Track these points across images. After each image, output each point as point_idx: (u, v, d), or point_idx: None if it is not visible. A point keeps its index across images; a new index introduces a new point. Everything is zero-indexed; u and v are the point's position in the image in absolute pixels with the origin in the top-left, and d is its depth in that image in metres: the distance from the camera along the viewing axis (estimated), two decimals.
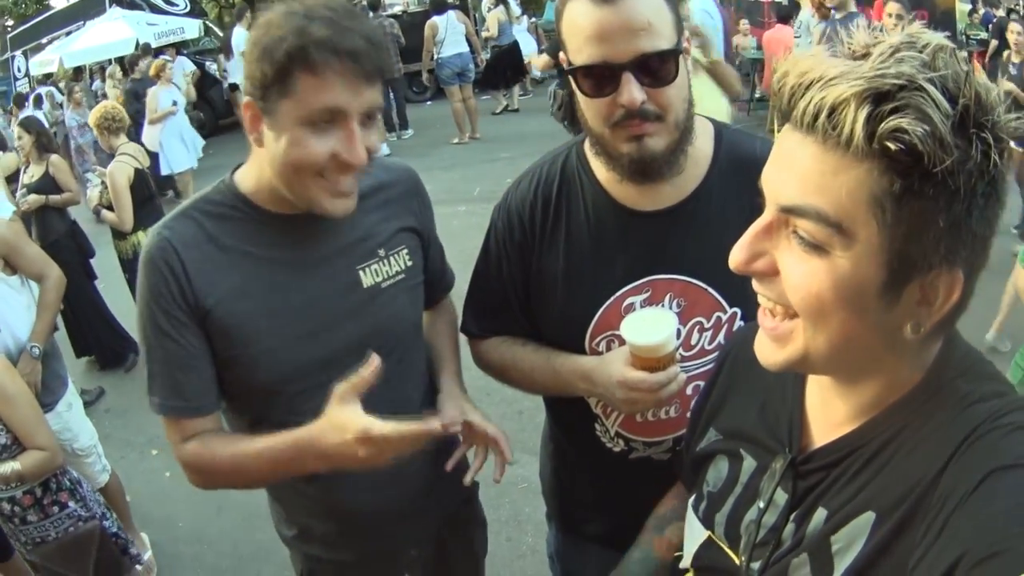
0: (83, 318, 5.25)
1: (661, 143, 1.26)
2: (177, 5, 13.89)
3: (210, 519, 3.68)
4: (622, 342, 1.31)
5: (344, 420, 1.22)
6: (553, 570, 1.85)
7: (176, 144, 9.01)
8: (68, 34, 15.00)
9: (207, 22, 15.46)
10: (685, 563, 1.02)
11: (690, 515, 1.02)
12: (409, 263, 1.51)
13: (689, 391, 1.39)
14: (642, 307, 1.38)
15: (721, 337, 1.39)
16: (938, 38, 0.66)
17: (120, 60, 13.15)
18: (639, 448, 1.49)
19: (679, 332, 1.36)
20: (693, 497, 1.03)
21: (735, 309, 1.38)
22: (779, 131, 0.74)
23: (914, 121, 0.61)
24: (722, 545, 0.94)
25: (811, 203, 0.68)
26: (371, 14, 10.61)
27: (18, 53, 16.07)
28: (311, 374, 1.37)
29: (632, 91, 1.19)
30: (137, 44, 12.55)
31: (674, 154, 1.29)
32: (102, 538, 2.49)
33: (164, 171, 8.81)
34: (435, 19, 10.17)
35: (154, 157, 8.48)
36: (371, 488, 1.51)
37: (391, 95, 10.73)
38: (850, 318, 0.71)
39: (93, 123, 4.97)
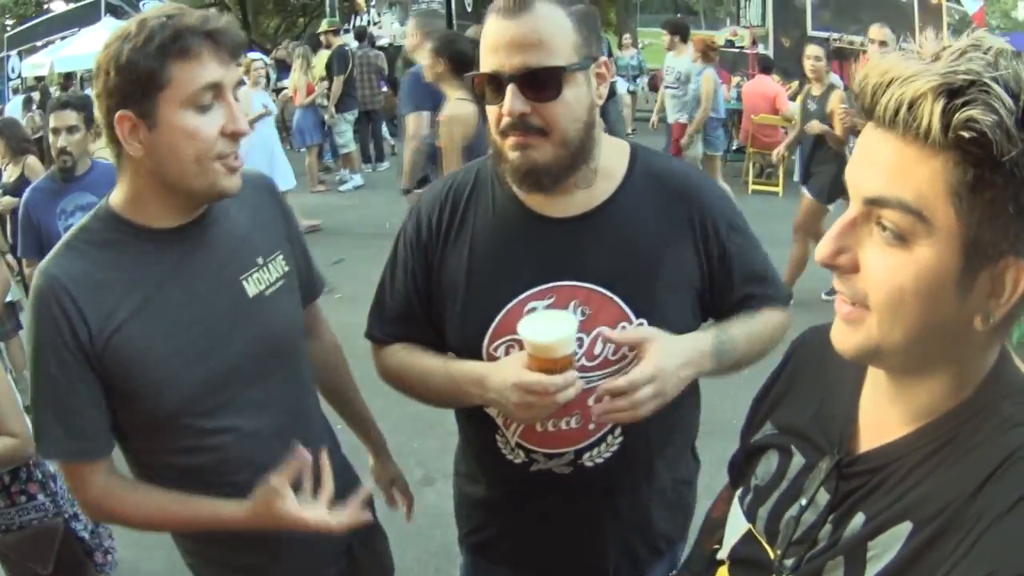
0: None
1: (544, 156, 1.30)
2: None
3: None
4: (522, 347, 1.30)
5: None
6: None
7: (261, 163, 6.53)
8: (63, 39, 15.27)
9: None
10: (723, 555, 1.04)
11: (735, 507, 1.03)
12: (286, 268, 1.54)
13: (591, 402, 1.34)
14: None
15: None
16: (1000, 42, 0.71)
17: None
18: (540, 460, 1.44)
19: (582, 341, 1.35)
20: (740, 490, 1.04)
21: (641, 320, 1.36)
22: (861, 130, 0.79)
23: (984, 112, 0.66)
24: (760, 539, 0.95)
25: (894, 193, 0.72)
26: (357, 44, 10.70)
27: (13, 53, 16.26)
28: (214, 391, 1.39)
29: (512, 102, 1.25)
30: None
31: (564, 169, 1.32)
32: (65, 536, 2.44)
33: None
34: None
35: None
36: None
37: (370, 126, 10.77)
38: (927, 310, 0.74)
39: None
